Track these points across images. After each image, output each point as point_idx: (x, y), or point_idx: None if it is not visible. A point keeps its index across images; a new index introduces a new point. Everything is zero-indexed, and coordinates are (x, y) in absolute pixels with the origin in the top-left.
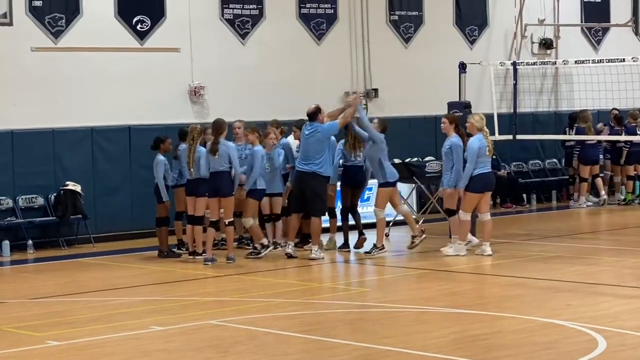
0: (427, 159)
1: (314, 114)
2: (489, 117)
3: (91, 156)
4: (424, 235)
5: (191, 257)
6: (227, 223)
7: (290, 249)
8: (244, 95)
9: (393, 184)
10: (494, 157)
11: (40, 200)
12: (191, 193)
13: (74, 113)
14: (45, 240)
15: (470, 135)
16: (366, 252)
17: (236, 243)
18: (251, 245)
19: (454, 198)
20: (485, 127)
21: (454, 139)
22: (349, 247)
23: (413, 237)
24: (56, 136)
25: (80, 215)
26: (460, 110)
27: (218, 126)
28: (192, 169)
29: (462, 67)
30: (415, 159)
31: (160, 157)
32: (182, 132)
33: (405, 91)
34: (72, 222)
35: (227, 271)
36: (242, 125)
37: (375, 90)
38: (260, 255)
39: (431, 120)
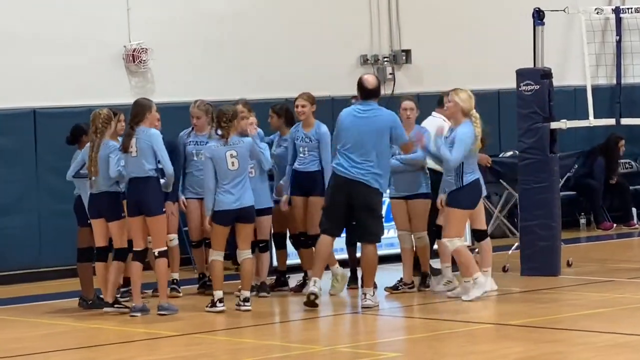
0: (509, 153)
1: (377, 91)
2: (579, 91)
3: None
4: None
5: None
6: (156, 254)
7: (315, 288)
8: (209, 62)
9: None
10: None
11: None
12: (96, 214)
13: None
14: None
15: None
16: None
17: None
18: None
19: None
20: (474, 110)
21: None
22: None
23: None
24: None
25: None
26: (535, 81)
27: (137, 110)
28: (95, 177)
29: (538, 15)
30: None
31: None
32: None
33: (451, 54)
34: None
35: (182, 327)
36: (204, 110)
37: (407, 52)
38: (221, 309)
39: (492, 98)
